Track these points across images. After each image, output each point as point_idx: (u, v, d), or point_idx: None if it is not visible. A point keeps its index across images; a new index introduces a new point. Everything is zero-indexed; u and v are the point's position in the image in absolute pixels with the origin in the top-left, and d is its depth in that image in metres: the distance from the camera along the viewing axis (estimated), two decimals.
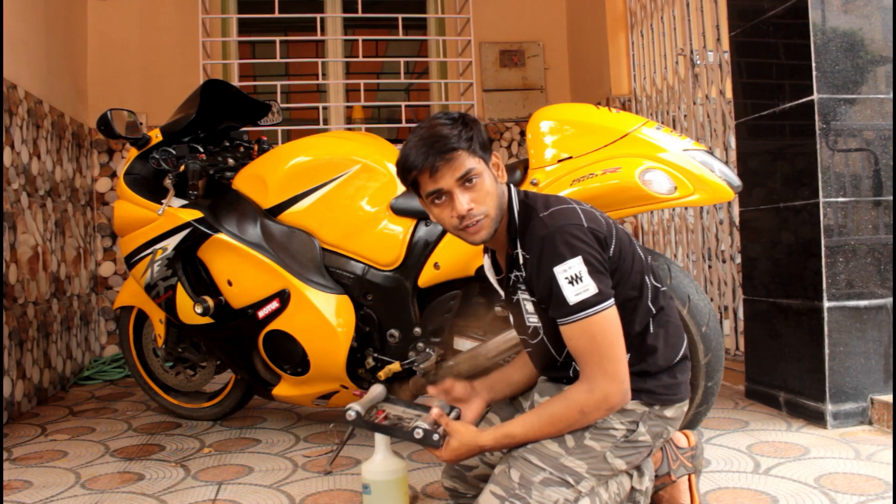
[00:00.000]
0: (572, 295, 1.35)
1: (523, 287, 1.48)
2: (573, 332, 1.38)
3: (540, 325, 1.50)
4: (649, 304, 1.48)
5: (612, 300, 1.38)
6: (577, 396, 1.39)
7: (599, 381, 1.37)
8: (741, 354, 3.03)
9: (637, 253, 1.49)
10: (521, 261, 1.46)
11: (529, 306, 1.50)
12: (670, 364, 1.49)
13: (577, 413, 1.39)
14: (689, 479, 1.64)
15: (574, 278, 1.35)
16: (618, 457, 1.45)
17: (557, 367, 1.54)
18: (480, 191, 1.44)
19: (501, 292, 1.62)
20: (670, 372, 1.48)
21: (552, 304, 1.39)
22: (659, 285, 1.52)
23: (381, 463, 1.69)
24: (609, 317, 1.37)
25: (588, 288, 1.35)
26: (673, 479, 1.62)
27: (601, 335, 1.37)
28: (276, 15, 4.06)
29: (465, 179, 1.43)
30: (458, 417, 1.58)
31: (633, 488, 1.52)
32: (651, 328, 1.47)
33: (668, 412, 1.48)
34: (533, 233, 1.43)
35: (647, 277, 1.49)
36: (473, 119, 1.51)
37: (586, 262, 1.37)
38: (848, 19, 2.40)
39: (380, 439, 1.70)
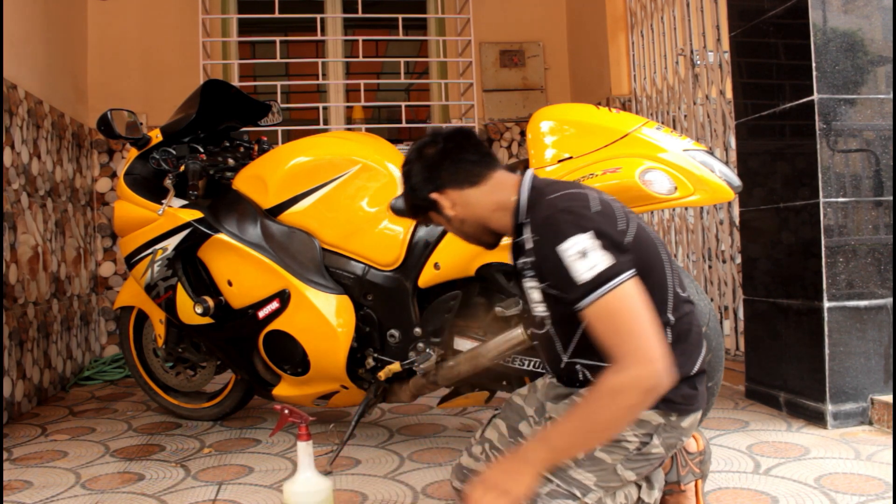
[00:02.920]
0: (584, 270, 1.27)
1: (531, 273, 1.44)
2: (592, 315, 1.28)
3: (547, 314, 1.46)
4: (668, 314, 1.40)
5: (631, 272, 1.28)
6: (606, 377, 1.26)
7: (626, 361, 1.24)
8: (741, 354, 3.03)
9: (661, 256, 1.43)
10: (528, 245, 1.42)
11: (535, 294, 1.46)
12: (689, 374, 1.41)
13: (607, 395, 1.25)
14: (696, 485, 1.62)
15: (583, 252, 1.27)
16: (628, 469, 1.40)
17: (563, 369, 1.49)
18: (449, 230, 1.62)
19: None
20: (690, 382, 1.41)
21: (565, 288, 1.31)
22: (682, 293, 1.45)
23: (302, 483, 1.60)
24: (629, 289, 1.27)
25: (600, 261, 1.27)
26: (682, 489, 1.59)
27: (625, 311, 1.26)
28: (276, 15, 4.06)
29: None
30: None
31: (640, 499, 1.48)
32: (669, 337, 1.39)
33: (685, 422, 1.43)
34: (539, 214, 1.39)
35: (669, 282, 1.42)
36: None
37: (596, 237, 1.29)
38: (848, 19, 2.40)
39: (303, 457, 1.61)
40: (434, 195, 1.53)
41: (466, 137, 1.56)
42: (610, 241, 1.30)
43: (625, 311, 1.26)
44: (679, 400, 1.40)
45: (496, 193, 1.51)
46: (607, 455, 1.39)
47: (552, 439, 1.33)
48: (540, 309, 1.47)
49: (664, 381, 1.25)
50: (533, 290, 1.46)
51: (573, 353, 1.46)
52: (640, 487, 1.49)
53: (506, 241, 1.64)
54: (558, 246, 1.30)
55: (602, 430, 1.31)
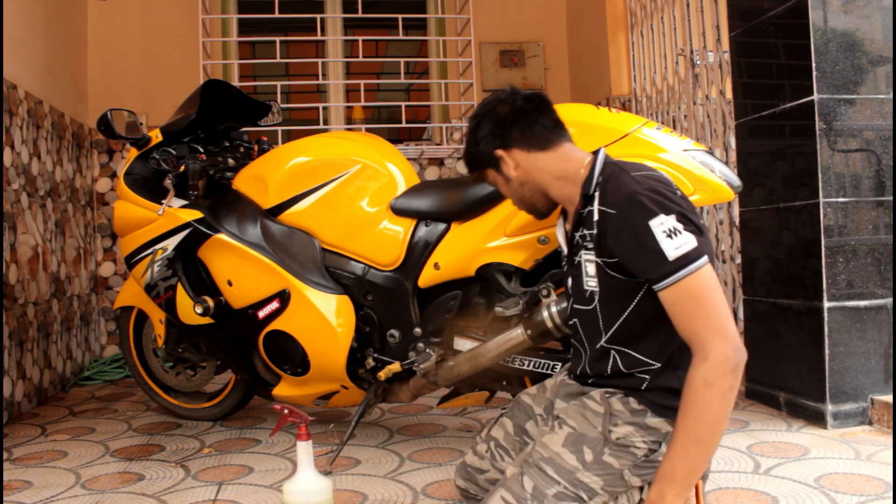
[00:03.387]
0: (672, 249, 1.28)
1: (589, 246, 1.43)
2: (675, 294, 1.29)
3: (597, 289, 1.44)
4: None
5: (707, 258, 1.30)
6: (694, 372, 1.28)
7: (710, 343, 1.26)
8: None
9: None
10: (594, 217, 1.41)
11: (591, 268, 1.45)
12: None
13: (703, 387, 1.26)
14: (696, 485, 1.62)
15: (671, 231, 1.29)
16: (635, 475, 1.41)
17: (597, 350, 1.47)
18: (504, 192, 1.63)
19: (566, 252, 1.57)
20: None
21: (645, 264, 1.32)
22: None
23: (302, 483, 1.59)
24: (710, 272, 1.29)
25: (688, 241, 1.28)
26: None
27: (706, 292, 1.28)
28: (276, 15, 4.06)
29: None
30: None
31: (642, 500, 1.49)
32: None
33: None
34: (621, 188, 1.38)
35: None
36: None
37: (681, 220, 1.31)
38: (848, 19, 2.41)
39: (303, 457, 1.60)
40: (500, 152, 1.54)
41: (544, 102, 1.56)
42: (694, 225, 1.32)
43: (706, 291, 1.28)
44: None
45: (564, 162, 1.51)
46: (616, 460, 1.40)
47: (671, 472, 1.31)
48: (592, 283, 1.46)
49: (744, 357, 1.28)
50: (589, 263, 1.45)
51: (611, 338, 1.45)
52: (641, 490, 1.49)
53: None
54: (649, 221, 1.31)
55: (714, 429, 1.28)
